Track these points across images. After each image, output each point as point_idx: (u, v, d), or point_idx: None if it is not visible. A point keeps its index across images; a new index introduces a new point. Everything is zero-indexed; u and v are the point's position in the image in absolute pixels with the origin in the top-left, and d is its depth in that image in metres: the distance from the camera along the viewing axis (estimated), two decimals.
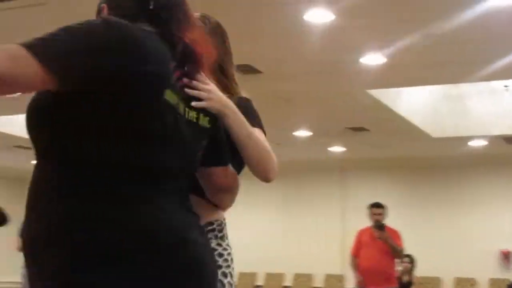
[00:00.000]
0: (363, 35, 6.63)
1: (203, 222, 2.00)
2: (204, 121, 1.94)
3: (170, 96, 1.77)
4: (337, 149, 12.70)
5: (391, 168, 12.96)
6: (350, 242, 8.18)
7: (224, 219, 2.34)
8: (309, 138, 11.57)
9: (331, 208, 13.27)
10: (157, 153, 1.74)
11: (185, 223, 1.78)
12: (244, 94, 2.40)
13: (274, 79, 8.13)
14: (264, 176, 2.15)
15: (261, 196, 12.35)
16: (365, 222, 7.98)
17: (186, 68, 1.89)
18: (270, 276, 12.14)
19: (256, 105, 2.36)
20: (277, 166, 2.17)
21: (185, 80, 1.88)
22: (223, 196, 2.15)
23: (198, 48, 1.90)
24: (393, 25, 6.38)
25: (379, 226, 7.65)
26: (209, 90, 1.97)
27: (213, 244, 2.26)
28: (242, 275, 12.29)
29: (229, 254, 2.33)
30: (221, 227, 2.32)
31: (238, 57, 2.48)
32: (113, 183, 1.68)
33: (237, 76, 2.46)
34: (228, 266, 2.30)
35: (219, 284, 2.17)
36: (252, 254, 12.11)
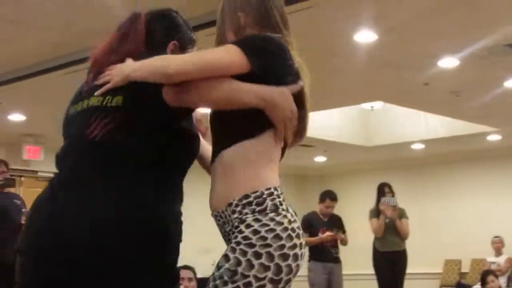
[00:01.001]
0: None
1: (235, 195, 2.01)
2: (112, 102, 2.11)
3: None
4: None
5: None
6: None
7: (268, 189, 2.03)
8: None
9: None
10: None
11: None
12: None
13: None
14: None
15: None
16: None
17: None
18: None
19: None
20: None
21: (86, 89, 2.23)
22: None
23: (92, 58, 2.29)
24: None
25: None
26: (107, 74, 2.15)
27: (249, 219, 1.99)
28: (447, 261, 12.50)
29: (271, 230, 1.97)
30: (262, 199, 2.01)
31: None
32: None
33: None
34: (266, 246, 1.96)
35: (244, 263, 1.94)
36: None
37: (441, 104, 9.07)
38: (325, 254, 8.41)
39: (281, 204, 2.02)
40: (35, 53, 6.50)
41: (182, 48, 2.34)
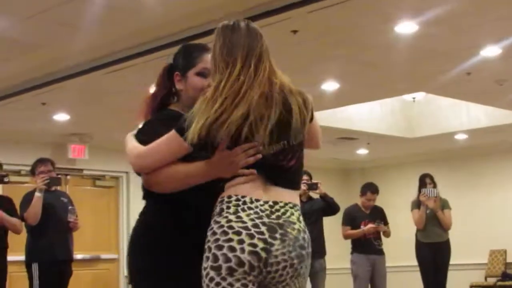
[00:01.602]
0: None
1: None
2: None
3: None
4: None
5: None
6: None
7: (227, 197, 2.42)
8: None
9: None
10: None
11: None
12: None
13: None
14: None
15: None
16: None
17: None
18: None
19: None
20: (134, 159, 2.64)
21: None
22: None
23: None
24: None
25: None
26: None
27: (212, 221, 2.43)
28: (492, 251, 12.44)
29: (209, 229, 2.39)
30: (215, 206, 2.43)
31: None
32: None
33: None
34: (207, 242, 2.38)
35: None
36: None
37: (483, 94, 8.95)
38: (368, 246, 8.37)
39: (228, 208, 2.39)
40: (78, 54, 6.58)
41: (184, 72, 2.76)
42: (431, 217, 8.53)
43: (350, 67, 7.39)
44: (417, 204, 8.63)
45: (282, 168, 2.46)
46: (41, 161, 6.93)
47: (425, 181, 8.67)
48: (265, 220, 2.37)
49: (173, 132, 2.47)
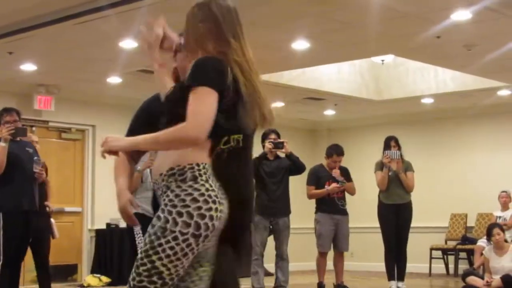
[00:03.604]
0: None
1: (165, 168, 2.66)
2: None
3: None
4: None
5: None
6: None
7: (190, 164, 2.63)
8: None
9: None
10: None
11: None
12: None
13: None
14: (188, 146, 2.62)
15: None
16: None
17: None
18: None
19: None
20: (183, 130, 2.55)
21: None
22: None
23: None
24: None
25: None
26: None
27: (173, 186, 2.61)
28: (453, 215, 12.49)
29: (189, 194, 2.58)
30: (183, 171, 2.62)
31: None
32: None
33: None
34: (185, 206, 2.56)
35: (171, 220, 2.55)
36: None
37: (452, 58, 9.02)
38: (332, 206, 8.47)
39: (200, 176, 2.61)
40: (46, 3, 6.47)
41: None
42: (393, 179, 8.64)
43: (321, 26, 7.37)
44: (380, 166, 8.73)
45: None
46: (6, 111, 6.83)
47: (389, 143, 8.76)
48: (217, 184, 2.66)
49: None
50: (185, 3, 2.88)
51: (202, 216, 2.54)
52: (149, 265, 2.54)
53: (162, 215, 2.57)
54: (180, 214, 2.54)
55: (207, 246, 2.66)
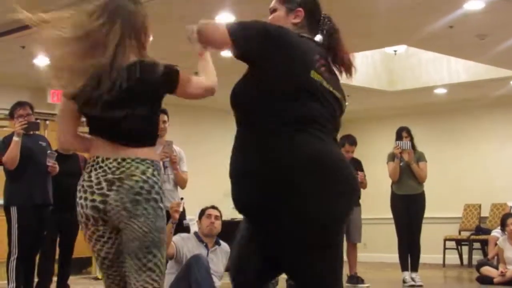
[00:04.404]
0: None
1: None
2: (339, 95, 2.98)
3: (314, 74, 2.81)
4: None
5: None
6: None
7: (89, 158, 2.94)
8: None
9: None
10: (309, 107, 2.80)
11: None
12: None
13: None
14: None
15: None
16: None
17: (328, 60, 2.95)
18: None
19: None
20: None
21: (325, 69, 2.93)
22: None
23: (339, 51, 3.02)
24: None
25: None
26: None
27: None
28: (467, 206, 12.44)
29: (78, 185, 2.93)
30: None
31: None
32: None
33: None
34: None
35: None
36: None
37: (465, 48, 8.95)
38: None
39: (86, 168, 2.93)
40: None
41: None
42: (405, 169, 8.61)
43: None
44: (392, 157, 8.70)
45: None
46: (19, 104, 6.85)
47: (401, 134, 8.73)
48: (109, 176, 2.82)
49: None
50: None
51: (76, 205, 2.94)
52: None
53: None
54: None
55: None
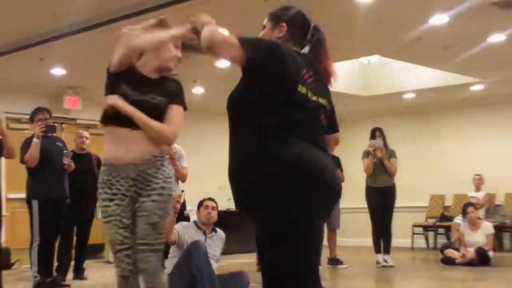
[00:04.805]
0: None
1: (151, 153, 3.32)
2: (323, 101, 2.87)
3: (300, 88, 2.68)
4: None
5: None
6: None
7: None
8: None
9: None
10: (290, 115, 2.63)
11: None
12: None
13: None
14: None
15: None
16: None
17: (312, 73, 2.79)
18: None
19: None
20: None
21: (310, 82, 2.81)
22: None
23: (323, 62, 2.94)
24: None
25: None
26: None
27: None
28: (432, 196, 12.47)
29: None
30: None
31: None
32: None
33: None
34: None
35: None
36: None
37: (431, 58, 8.96)
38: None
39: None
40: (76, 13, 6.43)
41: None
42: (378, 165, 8.64)
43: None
44: (367, 154, 8.77)
45: None
46: (39, 110, 6.85)
47: (375, 133, 8.77)
48: None
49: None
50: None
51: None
52: None
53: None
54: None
55: None
